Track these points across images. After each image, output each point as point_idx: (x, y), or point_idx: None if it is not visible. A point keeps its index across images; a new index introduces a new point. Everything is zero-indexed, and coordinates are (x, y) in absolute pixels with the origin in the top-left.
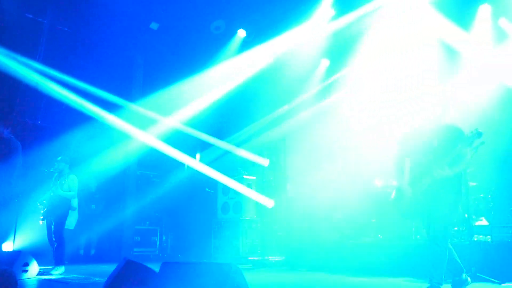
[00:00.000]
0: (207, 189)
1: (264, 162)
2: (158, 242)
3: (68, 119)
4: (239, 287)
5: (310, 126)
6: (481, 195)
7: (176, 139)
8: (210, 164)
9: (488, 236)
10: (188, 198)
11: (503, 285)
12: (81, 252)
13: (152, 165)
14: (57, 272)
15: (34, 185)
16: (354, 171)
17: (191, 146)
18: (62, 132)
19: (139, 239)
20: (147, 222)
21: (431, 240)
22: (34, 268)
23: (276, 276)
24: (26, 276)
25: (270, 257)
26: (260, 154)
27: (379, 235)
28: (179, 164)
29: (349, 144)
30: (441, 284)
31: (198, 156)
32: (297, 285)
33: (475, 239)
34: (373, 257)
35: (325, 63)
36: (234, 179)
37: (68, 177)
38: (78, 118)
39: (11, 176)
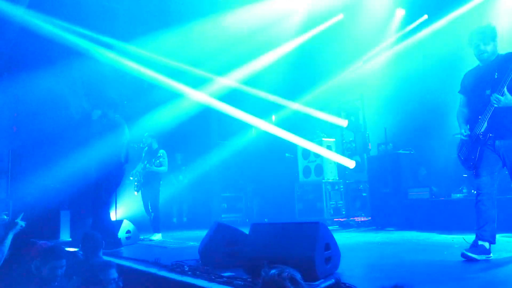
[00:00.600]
0: (287, 154)
1: (343, 122)
2: (244, 208)
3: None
4: (328, 244)
5: (386, 83)
6: None
7: (251, 103)
8: (287, 127)
9: None
10: (269, 164)
11: None
12: (174, 220)
13: (231, 133)
14: (156, 238)
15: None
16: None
17: (266, 110)
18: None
19: (225, 206)
20: (232, 190)
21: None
22: (136, 235)
23: (363, 235)
24: (129, 242)
25: (355, 218)
26: (338, 114)
27: (472, 191)
28: (257, 131)
29: None
30: None
31: (274, 119)
32: (387, 243)
33: None
34: (465, 214)
35: (400, 12)
36: (313, 142)
37: (159, 152)
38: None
39: (121, 151)
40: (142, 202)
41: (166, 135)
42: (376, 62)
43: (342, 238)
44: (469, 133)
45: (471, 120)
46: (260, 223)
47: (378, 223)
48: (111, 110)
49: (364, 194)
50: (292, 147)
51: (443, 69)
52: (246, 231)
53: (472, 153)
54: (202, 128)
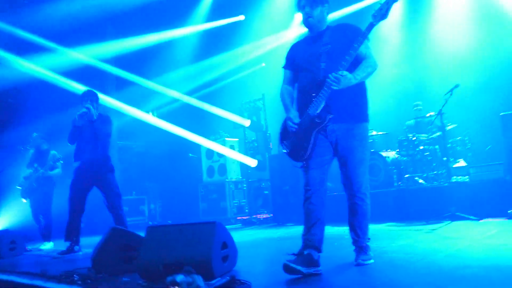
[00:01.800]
0: (190, 154)
1: (245, 122)
2: (146, 211)
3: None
4: (225, 243)
5: None
6: (459, 137)
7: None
8: (190, 127)
9: (466, 176)
10: (172, 164)
11: (481, 221)
12: None
13: (132, 135)
14: (46, 247)
15: (8, 163)
16: None
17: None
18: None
19: (127, 209)
20: (134, 192)
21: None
22: (22, 246)
23: (264, 232)
24: (13, 253)
25: (258, 215)
26: (241, 114)
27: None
28: (160, 132)
29: None
30: None
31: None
32: (286, 238)
33: (454, 180)
34: None
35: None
36: (217, 142)
37: (49, 155)
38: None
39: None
40: (30, 210)
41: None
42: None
43: (244, 235)
44: (297, 116)
45: (301, 100)
46: (156, 225)
47: (279, 220)
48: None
49: (266, 192)
50: (196, 147)
51: None
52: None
53: (305, 141)
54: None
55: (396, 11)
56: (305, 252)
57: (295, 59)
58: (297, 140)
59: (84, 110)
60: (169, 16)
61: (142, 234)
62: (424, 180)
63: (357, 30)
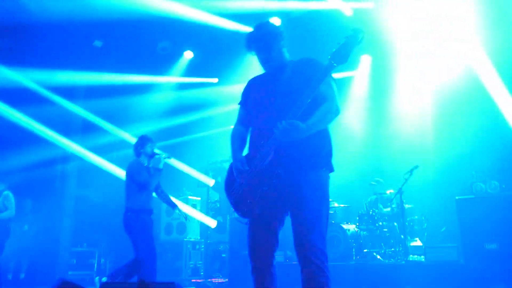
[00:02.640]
0: None
1: (210, 181)
2: (96, 265)
3: None
4: None
5: None
6: (416, 216)
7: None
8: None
9: (422, 256)
10: None
11: None
12: (10, 277)
13: (92, 184)
14: None
15: None
16: None
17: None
18: None
19: (75, 261)
20: (85, 244)
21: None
22: None
23: None
24: None
25: (213, 279)
26: (206, 173)
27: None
28: (121, 184)
29: None
30: None
31: None
32: None
33: (410, 259)
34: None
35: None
36: (179, 199)
37: (2, 195)
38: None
39: None
40: None
41: (14, 175)
42: None
43: None
44: (245, 163)
45: (252, 145)
46: (109, 282)
47: (235, 286)
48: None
49: (223, 255)
50: (156, 202)
51: None
52: None
53: (251, 195)
54: (60, 173)
55: (361, 86)
56: None
57: (248, 96)
58: (243, 193)
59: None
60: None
61: None
62: (381, 257)
63: (319, 66)
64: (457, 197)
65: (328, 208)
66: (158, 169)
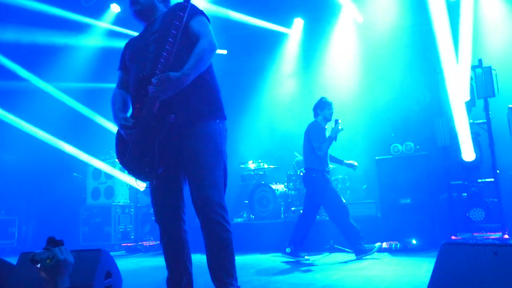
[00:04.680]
0: (74, 174)
1: None
2: (16, 233)
3: None
4: (109, 272)
5: None
6: (340, 176)
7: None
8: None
9: None
10: (52, 183)
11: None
12: None
13: (9, 145)
14: None
15: None
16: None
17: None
18: None
19: None
20: (3, 212)
21: None
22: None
23: (150, 260)
24: None
25: (144, 242)
26: None
27: (251, 215)
28: (42, 145)
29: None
30: None
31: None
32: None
33: None
34: (245, 236)
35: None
36: (106, 162)
37: None
38: None
39: None
40: None
41: None
42: None
43: (129, 263)
44: (130, 120)
45: (134, 103)
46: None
47: None
48: None
49: (153, 218)
50: (82, 165)
51: None
52: (16, 260)
53: (146, 153)
54: None
55: (290, 55)
56: None
57: (125, 55)
58: (139, 154)
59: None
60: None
61: (11, 260)
62: None
63: (182, 6)
64: (376, 157)
65: (223, 159)
66: (333, 137)
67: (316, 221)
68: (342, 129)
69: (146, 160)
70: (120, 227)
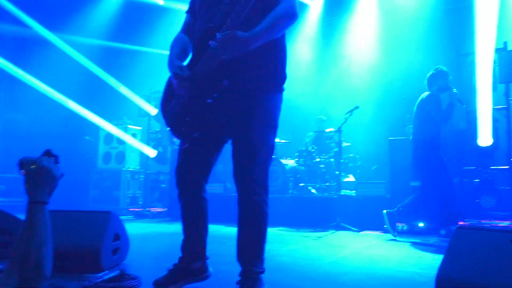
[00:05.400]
0: (87, 137)
1: (152, 110)
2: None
3: None
4: (117, 234)
5: None
6: (351, 154)
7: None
8: (92, 104)
9: (354, 191)
10: (64, 145)
11: (360, 232)
12: None
13: (21, 106)
14: None
15: None
16: None
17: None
18: None
19: (4, 188)
20: (15, 169)
21: None
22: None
23: (157, 226)
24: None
25: (151, 209)
26: (148, 102)
27: None
28: (55, 106)
29: None
30: None
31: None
32: (178, 234)
33: (342, 193)
34: None
35: None
36: (118, 128)
37: None
38: None
39: None
40: None
41: None
42: None
43: (136, 228)
44: (185, 70)
45: (194, 54)
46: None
47: (173, 215)
48: None
49: (163, 186)
50: (94, 129)
51: None
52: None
53: (189, 112)
54: None
55: (310, 28)
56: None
57: (195, 1)
58: (182, 109)
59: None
60: None
61: (22, 217)
62: (316, 190)
63: None
64: (390, 138)
65: (274, 136)
66: (452, 104)
67: (324, 198)
68: (457, 93)
69: (186, 119)
70: (129, 192)
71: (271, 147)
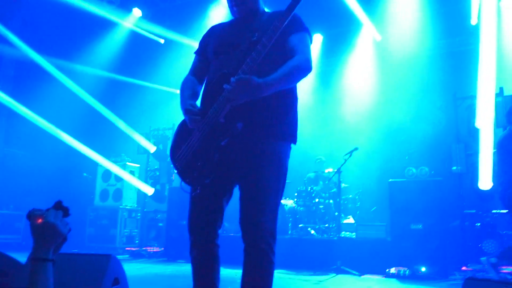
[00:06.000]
0: (84, 174)
1: (151, 148)
2: (23, 229)
3: None
4: (117, 278)
5: None
6: (350, 195)
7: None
8: (91, 140)
9: (354, 233)
10: (62, 181)
11: (362, 276)
12: None
13: (22, 141)
14: None
15: None
16: None
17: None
18: None
19: None
20: (11, 206)
21: None
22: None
23: (154, 267)
24: None
25: (148, 248)
26: (147, 140)
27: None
28: (54, 142)
29: None
30: None
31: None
32: (176, 276)
33: (342, 235)
34: None
35: None
36: (117, 165)
37: None
38: None
39: None
40: None
41: None
42: None
43: (133, 269)
44: (197, 116)
45: (205, 98)
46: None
47: (170, 255)
48: None
49: (160, 224)
50: (92, 166)
51: None
52: (23, 257)
53: (202, 157)
54: None
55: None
56: None
57: (208, 44)
58: (193, 154)
59: None
60: None
61: (17, 256)
62: (315, 232)
63: (285, 13)
64: (390, 180)
65: (284, 185)
66: None
67: (324, 241)
68: None
69: (197, 164)
70: (125, 230)
71: (280, 195)
